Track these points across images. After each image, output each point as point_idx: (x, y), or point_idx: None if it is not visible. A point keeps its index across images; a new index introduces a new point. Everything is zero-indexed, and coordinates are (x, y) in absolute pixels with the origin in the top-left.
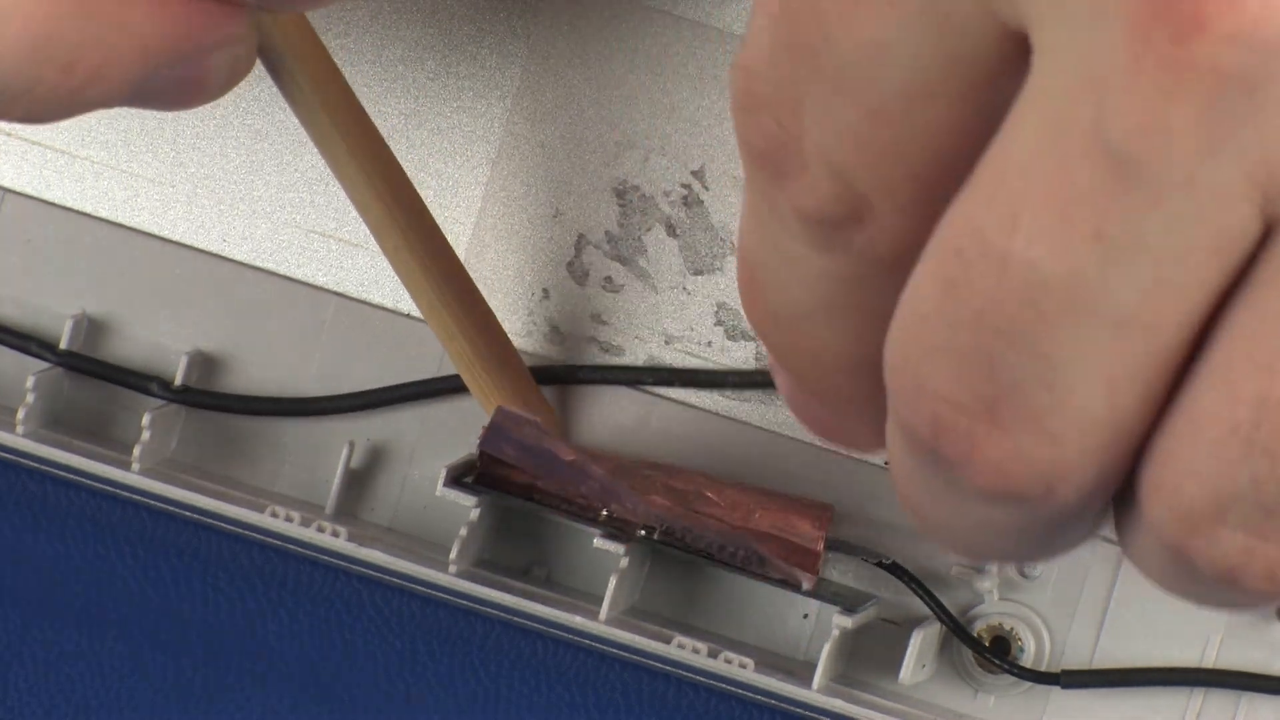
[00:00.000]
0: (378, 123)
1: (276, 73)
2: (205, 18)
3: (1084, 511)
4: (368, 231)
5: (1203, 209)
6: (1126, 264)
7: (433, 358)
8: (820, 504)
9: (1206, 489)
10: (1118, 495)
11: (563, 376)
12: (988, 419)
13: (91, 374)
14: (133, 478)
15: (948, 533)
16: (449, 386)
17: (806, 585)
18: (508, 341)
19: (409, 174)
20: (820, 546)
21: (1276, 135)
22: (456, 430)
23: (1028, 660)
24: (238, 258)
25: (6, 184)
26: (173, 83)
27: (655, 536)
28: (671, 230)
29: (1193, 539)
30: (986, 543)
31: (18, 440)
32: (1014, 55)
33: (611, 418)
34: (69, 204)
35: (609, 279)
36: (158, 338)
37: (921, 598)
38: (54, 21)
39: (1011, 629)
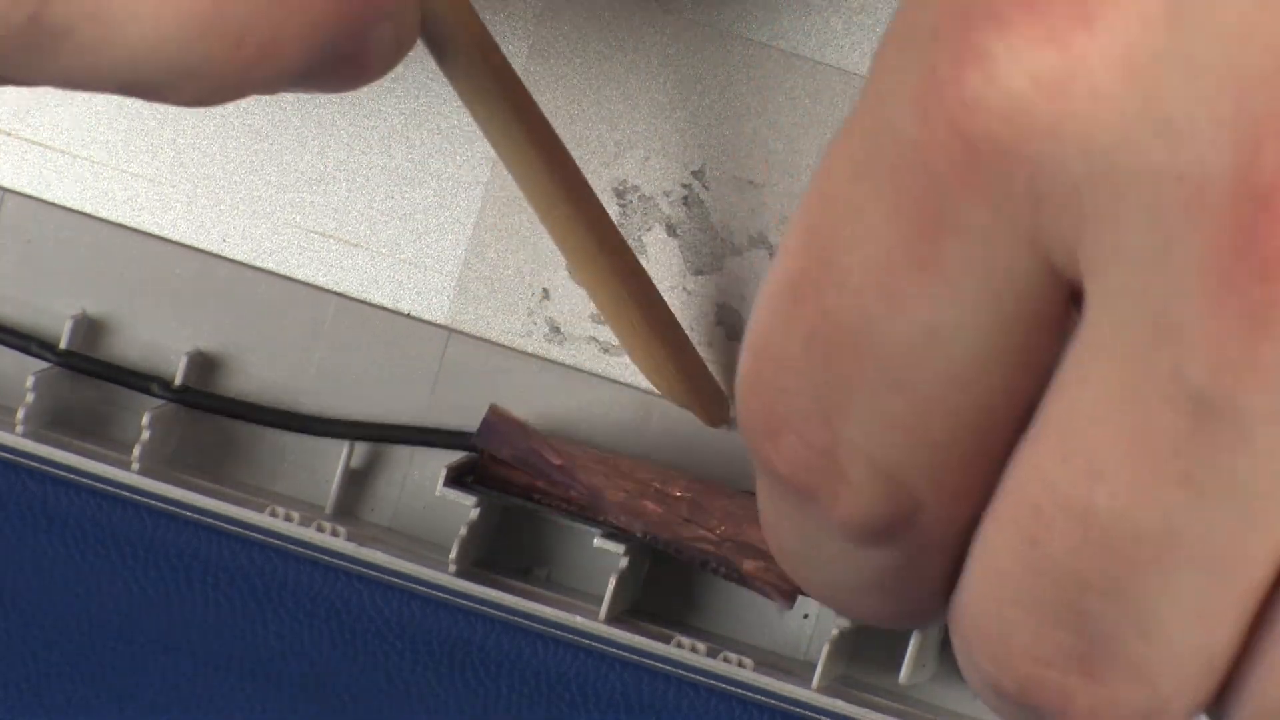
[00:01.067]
0: (378, 121)
1: (438, 48)
2: None
3: None
4: (369, 230)
5: None
6: (1219, 504)
7: (433, 358)
8: None
9: None
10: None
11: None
12: (1080, 671)
13: (91, 374)
14: (132, 477)
15: None
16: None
17: (782, 608)
18: (675, 321)
19: (409, 174)
20: None
21: None
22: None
23: None
24: (238, 257)
25: (6, 184)
26: (337, 61)
27: (646, 539)
28: (672, 230)
29: None
30: None
31: (17, 440)
32: (1065, 305)
33: (612, 416)
34: (69, 204)
35: None
36: (158, 337)
37: None
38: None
39: None
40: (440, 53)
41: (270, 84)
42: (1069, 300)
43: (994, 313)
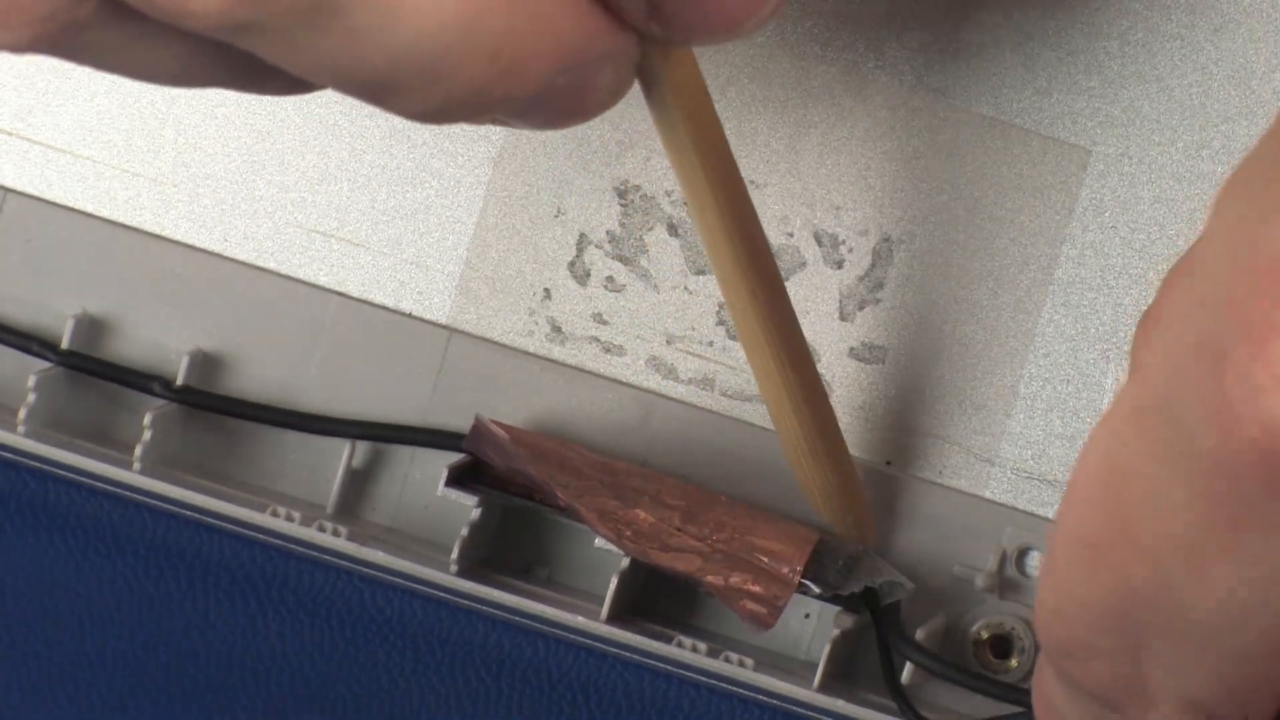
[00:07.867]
0: (380, 121)
1: (650, 95)
2: (606, 24)
3: None
4: (371, 230)
5: None
6: None
7: (434, 357)
8: (807, 531)
9: None
10: None
11: None
12: None
13: (93, 373)
14: (134, 477)
15: None
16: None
17: (756, 631)
18: (836, 426)
19: (411, 174)
20: (796, 578)
21: None
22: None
23: (1027, 661)
24: (239, 257)
25: (8, 184)
26: (562, 93)
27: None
28: (673, 230)
29: None
30: None
31: (19, 440)
32: None
33: (613, 416)
34: (70, 203)
35: (610, 279)
36: (159, 337)
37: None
38: (487, 5)
39: (1012, 629)
40: (650, 99)
41: (504, 105)
42: None
43: None
